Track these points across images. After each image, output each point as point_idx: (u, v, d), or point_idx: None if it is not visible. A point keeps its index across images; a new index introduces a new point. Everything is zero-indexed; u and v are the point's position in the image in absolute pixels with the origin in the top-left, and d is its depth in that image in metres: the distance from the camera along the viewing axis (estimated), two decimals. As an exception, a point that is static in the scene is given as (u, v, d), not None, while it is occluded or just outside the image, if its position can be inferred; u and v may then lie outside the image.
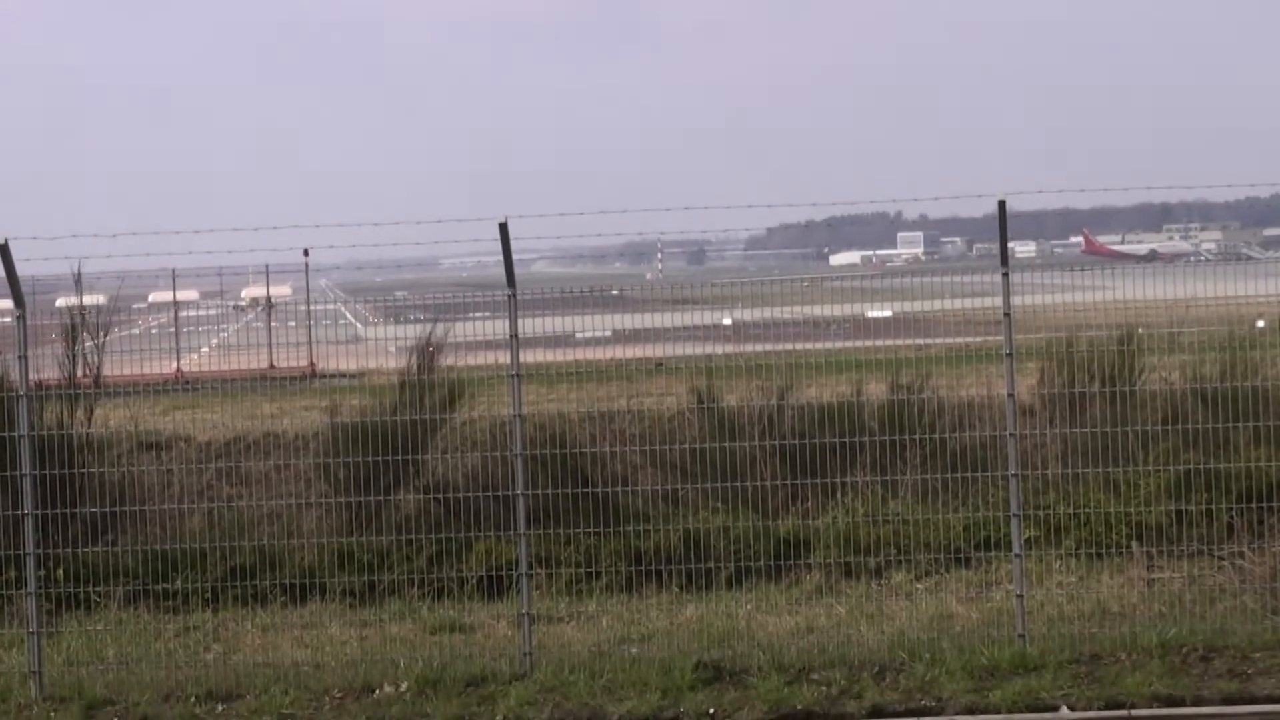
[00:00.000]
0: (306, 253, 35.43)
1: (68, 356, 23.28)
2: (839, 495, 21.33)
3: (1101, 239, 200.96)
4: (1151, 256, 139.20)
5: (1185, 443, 20.59)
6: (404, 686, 17.76)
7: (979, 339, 25.69)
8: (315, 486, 22.48)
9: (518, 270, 18.62)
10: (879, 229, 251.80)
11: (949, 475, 20.78)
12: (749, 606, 20.26)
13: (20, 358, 18.73)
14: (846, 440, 20.49)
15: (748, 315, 27.34)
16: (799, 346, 23.75)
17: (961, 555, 20.92)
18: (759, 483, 20.98)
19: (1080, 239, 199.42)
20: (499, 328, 19.25)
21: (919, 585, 20.78)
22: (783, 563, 21.06)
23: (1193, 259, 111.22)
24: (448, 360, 23.28)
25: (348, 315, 51.01)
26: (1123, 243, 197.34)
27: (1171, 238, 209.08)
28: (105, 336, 23.84)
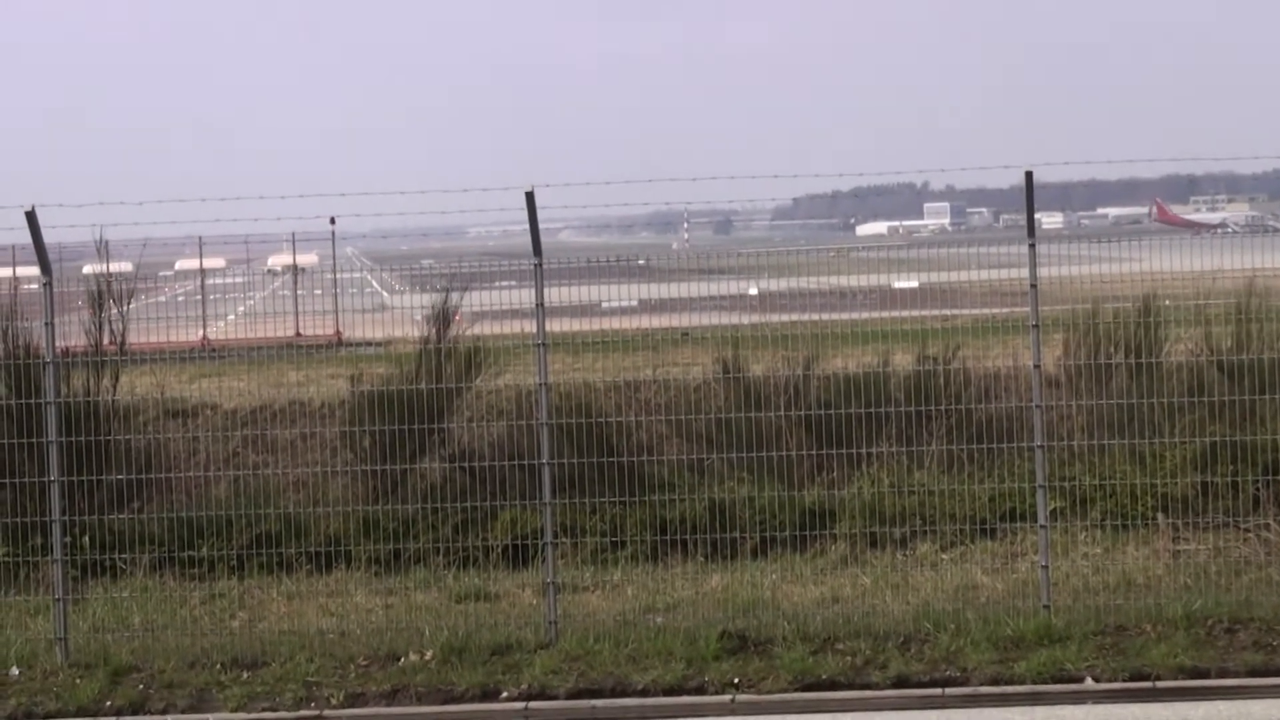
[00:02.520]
0: (333, 221, 35.53)
1: (94, 324, 23.28)
2: (864, 466, 21.27)
3: (1132, 210, 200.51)
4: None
5: (1211, 415, 20.52)
6: (429, 654, 17.79)
7: (1005, 310, 25.61)
8: (341, 454, 22.48)
9: (544, 239, 18.60)
10: (905, 199, 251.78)
11: (974, 446, 20.74)
12: (774, 576, 20.24)
13: (47, 324, 18.75)
14: (872, 411, 20.44)
15: (774, 285, 27.29)
16: (825, 317, 23.68)
17: (987, 526, 20.88)
18: (784, 453, 20.92)
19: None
20: (525, 296, 19.23)
21: (944, 556, 20.75)
22: (808, 533, 21.03)
23: (1245, 228, 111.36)
24: (471, 329, 23.23)
25: (374, 283, 51.07)
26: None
27: (1199, 209, 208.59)
28: (131, 304, 23.83)
